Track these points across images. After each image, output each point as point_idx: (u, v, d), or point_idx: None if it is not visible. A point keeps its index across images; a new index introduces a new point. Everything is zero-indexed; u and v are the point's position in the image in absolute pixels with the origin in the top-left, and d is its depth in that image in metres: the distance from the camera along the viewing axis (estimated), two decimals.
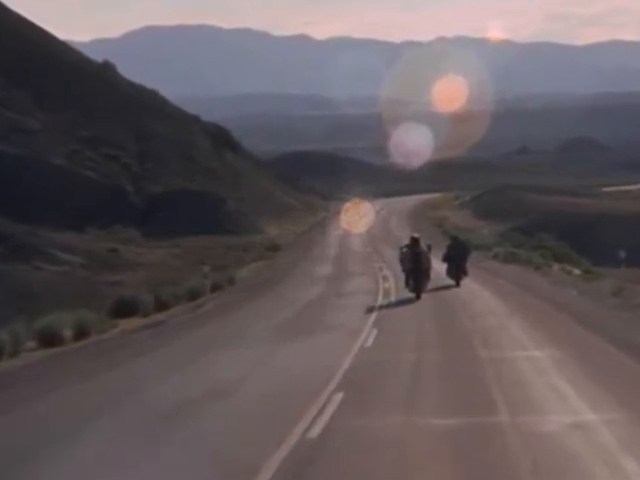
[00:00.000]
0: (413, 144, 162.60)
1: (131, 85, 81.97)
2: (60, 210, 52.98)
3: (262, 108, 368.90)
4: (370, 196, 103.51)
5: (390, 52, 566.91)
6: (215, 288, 29.37)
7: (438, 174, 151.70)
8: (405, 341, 15.85)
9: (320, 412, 8.92)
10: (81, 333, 18.01)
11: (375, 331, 16.72)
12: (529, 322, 17.68)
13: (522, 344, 14.56)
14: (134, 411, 9.88)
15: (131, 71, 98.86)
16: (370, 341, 15.46)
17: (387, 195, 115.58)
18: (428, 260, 23.90)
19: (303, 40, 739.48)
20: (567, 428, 7.92)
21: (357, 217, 72.95)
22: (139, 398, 10.82)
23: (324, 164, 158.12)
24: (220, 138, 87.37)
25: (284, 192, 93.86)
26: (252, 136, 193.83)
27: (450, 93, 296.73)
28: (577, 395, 9.60)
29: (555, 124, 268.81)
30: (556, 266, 35.60)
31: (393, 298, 24.00)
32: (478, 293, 24.94)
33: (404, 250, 24.20)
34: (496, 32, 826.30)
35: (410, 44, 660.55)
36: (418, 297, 22.99)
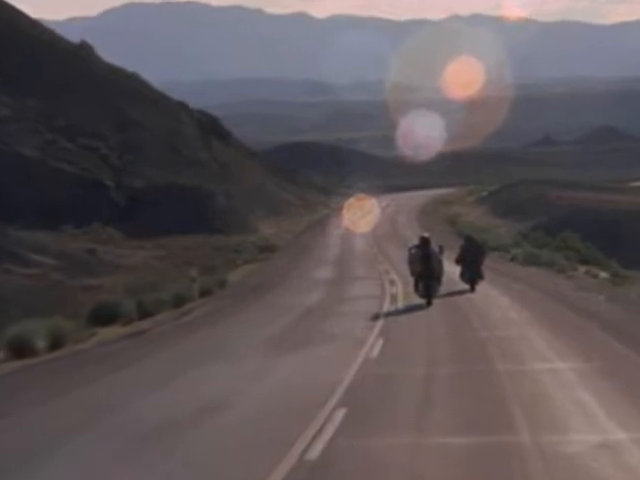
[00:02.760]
0: (423, 134, 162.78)
1: (111, 68, 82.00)
2: (32, 207, 53.00)
3: (255, 94, 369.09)
4: (375, 191, 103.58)
5: (397, 32, 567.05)
6: (204, 293, 29.39)
7: (451, 167, 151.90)
8: (414, 352, 15.83)
9: (320, 431, 8.90)
10: (56, 343, 18.00)
11: (381, 341, 16.71)
12: (552, 331, 17.67)
13: (544, 356, 14.55)
14: (112, 432, 9.83)
15: (111, 53, 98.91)
16: (375, 352, 15.44)
17: (394, 190, 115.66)
18: (440, 262, 23.90)
19: (301, 19, 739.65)
20: (594, 449, 7.91)
21: (361, 214, 73.03)
22: (118, 417, 10.79)
23: (324, 156, 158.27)
24: (209, 127, 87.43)
25: (280, 187, 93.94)
26: (245, 125, 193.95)
27: (464, 77, 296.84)
28: (605, 412, 9.58)
29: (579, 112, 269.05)
30: (582, 269, 35.64)
31: (401, 304, 23.99)
32: (495, 299, 24.93)
33: (413, 251, 24.20)
34: (514, 10, 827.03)
35: (419, 23, 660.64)
36: (429, 303, 22.98)
